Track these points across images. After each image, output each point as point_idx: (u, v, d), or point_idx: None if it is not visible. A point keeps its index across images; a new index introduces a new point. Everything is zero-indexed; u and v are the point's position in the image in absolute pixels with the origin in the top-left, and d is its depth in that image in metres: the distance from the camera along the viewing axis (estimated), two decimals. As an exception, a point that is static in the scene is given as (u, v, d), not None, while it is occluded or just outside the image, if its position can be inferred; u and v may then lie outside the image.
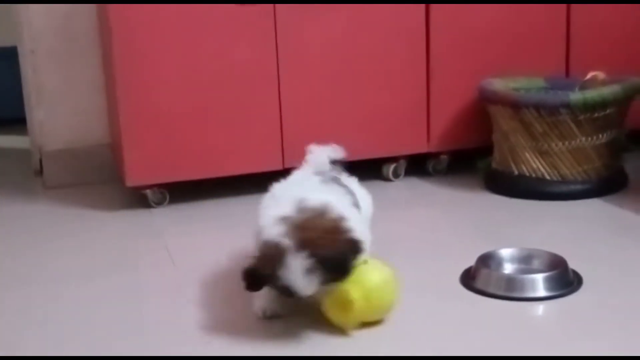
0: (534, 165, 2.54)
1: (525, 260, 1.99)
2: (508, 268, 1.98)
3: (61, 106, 2.96)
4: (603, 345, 1.64)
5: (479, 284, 1.90)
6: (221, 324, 1.81)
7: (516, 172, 2.58)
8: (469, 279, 1.94)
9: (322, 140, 2.67)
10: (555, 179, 2.54)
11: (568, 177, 2.53)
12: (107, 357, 1.68)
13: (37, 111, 2.97)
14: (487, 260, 1.96)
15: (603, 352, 1.60)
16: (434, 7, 2.69)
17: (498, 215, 2.44)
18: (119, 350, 1.70)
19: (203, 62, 2.56)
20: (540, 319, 1.82)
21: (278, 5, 2.56)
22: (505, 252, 2.00)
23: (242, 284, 1.68)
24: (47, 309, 1.94)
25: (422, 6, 2.68)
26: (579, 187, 2.53)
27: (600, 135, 2.52)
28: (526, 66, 2.78)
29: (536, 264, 1.97)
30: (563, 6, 2.80)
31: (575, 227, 2.31)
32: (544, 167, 2.53)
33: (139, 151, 2.56)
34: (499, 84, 2.65)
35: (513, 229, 2.30)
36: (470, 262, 1.99)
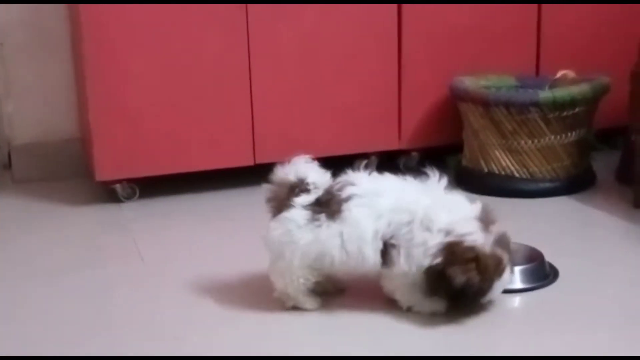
0: (503, 163, 2.56)
1: None
2: None
3: (30, 99, 2.93)
4: (577, 336, 1.66)
5: None
6: (189, 321, 1.80)
7: (486, 170, 2.59)
8: None
9: (294, 136, 2.68)
10: (524, 176, 2.55)
11: (537, 175, 2.55)
12: (72, 357, 1.67)
13: (6, 104, 2.94)
14: None
15: (578, 343, 1.63)
16: (406, 4, 2.69)
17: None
18: (85, 347, 1.69)
19: (174, 57, 2.55)
20: (516, 310, 1.85)
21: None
22: None
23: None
24: (13, 305, 1.92)
25: (394, 3, 2.69)
26: (547, 185, 2.55)
27: (569, 134, 2.54)
28: (497, 64, 2.80)
29: (513, 256, 1.99)
30: (534, 5, 2.82)
31: (544, 224, 2.33)
32: (513, 165, 2.55)
33: (108, 146, 2.54)
34: (470, 82, 2.67)
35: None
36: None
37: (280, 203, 1.77)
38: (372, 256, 1.72)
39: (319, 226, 1.73)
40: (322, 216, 1.73)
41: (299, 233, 1.73)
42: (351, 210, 1.72)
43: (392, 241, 1.70)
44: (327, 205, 1.74)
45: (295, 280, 1.77)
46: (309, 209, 1.74)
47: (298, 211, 1.74)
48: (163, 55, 2.53)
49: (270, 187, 1.80)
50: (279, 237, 1.75)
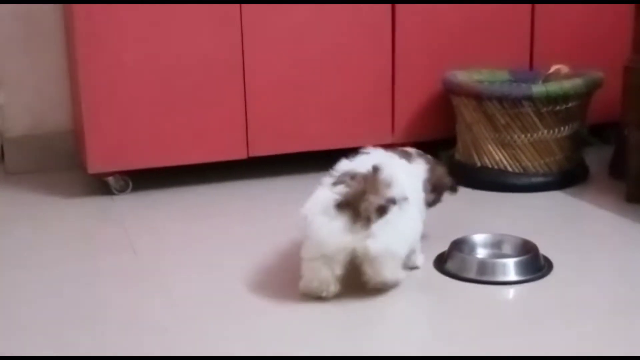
0: (496, 157, 2.56)
1: (498, 246, 2.04)
2: (481, 252, 2.02)
3: (23, 91, 2.92)
4: (571, 328, 1.67)
5: (452, 267, 1.94)
6: (179, 313, 1.80)
7: (479, 164, 2.60)
8: (442, 263, 1.98)
9: (287, 130, 2.68)
10: (517, 171, 2.56)
11: (530, 169, 2.55)
12: (59, 356, 1.67)
13: (-1, 96, 2.94)
14: (460, 244, 2.01)
15: (571, 335, 1.64)
16: (400, -2, 2.70)
17: (461, 206, 2.45)
18: (73, 339, 1.69)
19: (167, 50, 2.54)
20: (510, 302, 1.86)
21: (244, -7, 2.56)
22: (478, 238, 2.05)
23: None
24: (2, 296, 1.91)
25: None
26: (540, 179, 2.55)
27: (562, 128, 2.54)
28: (491, 59, 2.80)
29: (508, 249, 2.02)
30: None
31: (537, 218, 2.33)
32: (506, 159, 2.55)
33: (101, 138, 2.54)
34: (463, 76, 2.67)
35: (476, 220, 2.33)
36: (438, 249, 2.03)
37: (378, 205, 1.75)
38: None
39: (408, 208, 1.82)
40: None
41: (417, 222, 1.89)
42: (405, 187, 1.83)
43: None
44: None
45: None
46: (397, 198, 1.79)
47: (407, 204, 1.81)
48: (156, 47, 2.53)
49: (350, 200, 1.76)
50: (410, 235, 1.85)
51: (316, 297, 1.80)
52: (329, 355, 1.59)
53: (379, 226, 1.74)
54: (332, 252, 1.75)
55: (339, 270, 1.77)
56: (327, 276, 1.78)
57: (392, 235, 1.76)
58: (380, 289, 1.82)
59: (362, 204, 1.73)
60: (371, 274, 1.79)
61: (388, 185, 1.77)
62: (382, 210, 1.74)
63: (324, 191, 1.79)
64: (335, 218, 1.75)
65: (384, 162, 1.83)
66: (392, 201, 1.76)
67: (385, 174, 1.78)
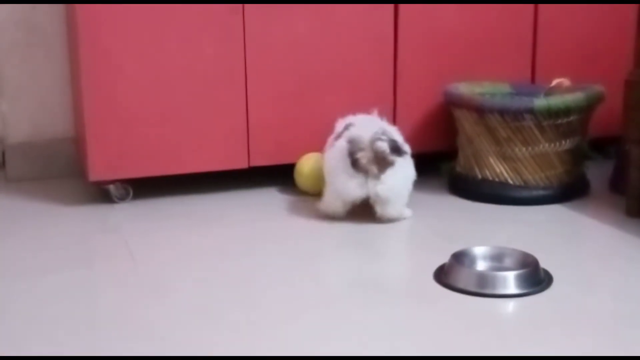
0: (497, 169, 2.56)
1: (498, 258, 2.04)
2: (481, 265, 2.02)
3: (25, 98, 2.93)
4: (571, 342, 1.66)
5: (452, 280, 1.94)
6: (177, 322, 1.80)
7: (480, 177, 2.60)
8: (442, 275, 1.98)
9: (289, 140, 2.68)
10: (517, 184, 2.56)
11: (530, 182, 2.55)
12: (56, 357, 1.67)
13: (0, 103, 2.93)
14: (460, 257, 2.00)
15: (571, 349, 1.63)
16: (403, 10, 2.70)
17: (462, 219, 2.45)
18: (70, 347, 1.69)
19: (170, 58, 2.55)
20: (510, 315, 1.85)
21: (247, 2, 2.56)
22: (479, 250, 2.05)
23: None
24: (1, 303, 1.91)
25: (391, 8, 2.69)
26: (540, 192, 2.55)
27: (563, 142, 2.54)
28: (492, 71, 2.81)
29: (508, 262, 2.02)
30: (530, 12, 2.83)
31: (537, 232, 2.33)
32: (507, 172, 2.56)
33: (102, 146, 2.54)
34: (465, 89, 2.67)
35: (477, 232, 2.32)
36: (438, 261, 2.03)
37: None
38: None
39: None
40: None
41: None
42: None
43: None
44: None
45: None
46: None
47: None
48: (159, 56, 2.54)
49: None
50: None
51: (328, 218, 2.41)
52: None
53: (387, 175, 2.30)
54: (350, 200, 2.35)
55: (349, 207, 2.37)
56: (341, 210, 2.39)
57: (397, 180, 2.33)
58: (388, 222, 2.37)
59: (373, 167, 2.29)
60: (380, 212, 2.35)
61: (392, 143, 2.32)
62: (388, 164, 2.29)
63: (343, 152, 2.32)
64: (353, 176, 2.30)
65: (382, 125, 2.37)
66: (397, 152, 2.32)
67: (386, 136, 2.31)
